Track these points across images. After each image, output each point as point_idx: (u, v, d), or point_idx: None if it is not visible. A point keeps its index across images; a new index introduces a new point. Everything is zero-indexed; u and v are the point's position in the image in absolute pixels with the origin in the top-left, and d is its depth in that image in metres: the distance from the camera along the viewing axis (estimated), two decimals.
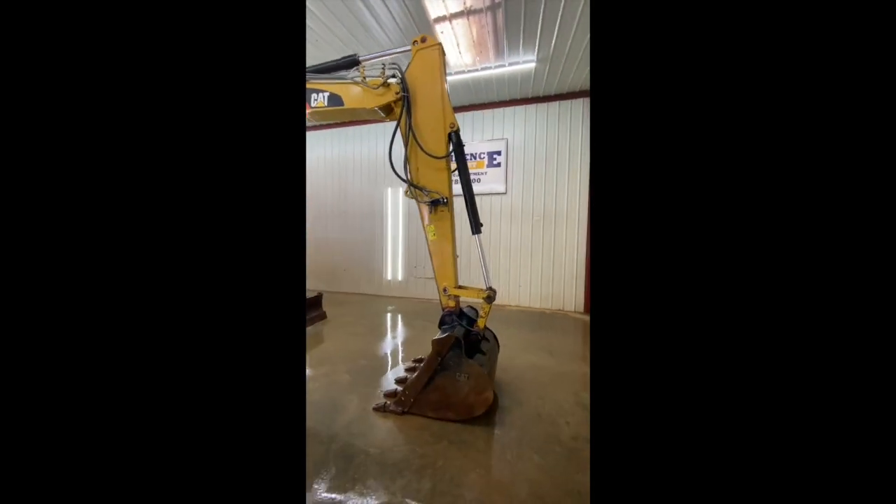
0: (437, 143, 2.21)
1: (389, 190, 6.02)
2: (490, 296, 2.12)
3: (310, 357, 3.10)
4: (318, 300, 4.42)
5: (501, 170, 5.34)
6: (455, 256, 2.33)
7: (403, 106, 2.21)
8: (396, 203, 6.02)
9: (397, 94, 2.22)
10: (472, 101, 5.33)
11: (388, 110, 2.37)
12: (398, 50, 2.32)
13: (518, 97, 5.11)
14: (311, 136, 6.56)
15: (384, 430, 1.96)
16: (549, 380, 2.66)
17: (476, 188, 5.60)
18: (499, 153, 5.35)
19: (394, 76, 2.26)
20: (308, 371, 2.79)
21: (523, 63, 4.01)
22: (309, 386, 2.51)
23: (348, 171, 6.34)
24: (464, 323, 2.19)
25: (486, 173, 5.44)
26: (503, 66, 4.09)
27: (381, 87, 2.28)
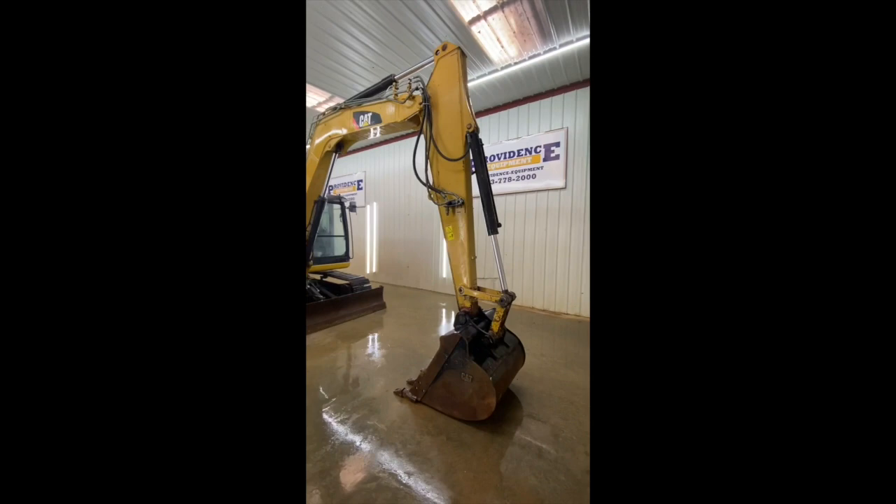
0: (455, 145, 2.26)
1: None
2: (504, 299, 2.04)
3: (360, 340, 3.63)
4: (379, 292, 5.06)
5: (560, 163, 4.85)
6: (472, 257, 2.33)
7: (424, 114, 2.35)
8: None
9: (420, 104, 2.37)
10: (525, 94, 5.03)
11: (417, 122, 2.56)
12: (425, 62, 2.48)
13: (579, 80, 4.53)
14: (380, 150, 7.51)
15: (396, 412, 2.16)
16: (583, 402, 2.33)
17: (530, 185, 5.33)
18: (557, 145, 4.87)
19: (417, 89, 2.43)
20: (353, 351, 3.28)
21: (576, 41, 3.57)
22: (350, 363, 2.97)
23: (412, 177, 6.97)
24: (480, 325, 2.17)
25: (542, 168, 5.04)
26: (553, 48, 3.73)
27: (408, 101, 2.50)
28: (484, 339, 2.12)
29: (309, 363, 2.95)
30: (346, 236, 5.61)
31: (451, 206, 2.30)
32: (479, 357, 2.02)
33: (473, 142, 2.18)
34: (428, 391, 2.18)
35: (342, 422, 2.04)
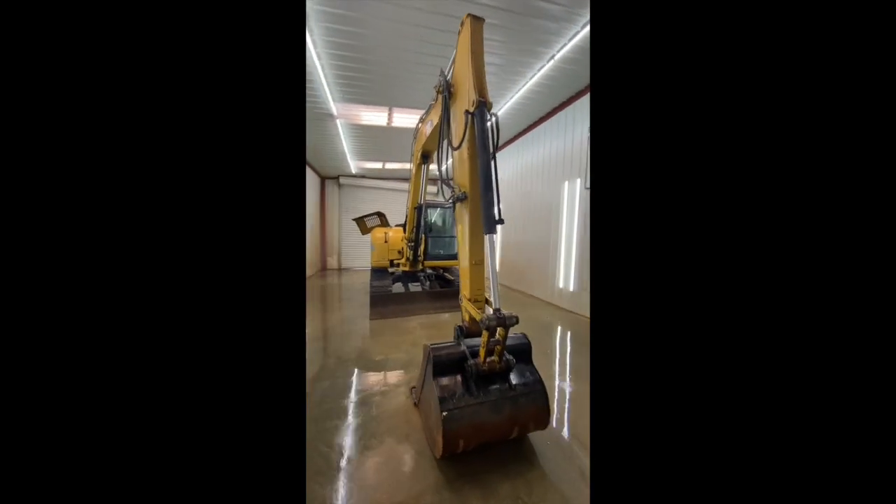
0: (459, 131, 1.93)
1: (566, 184, 5.17)
2: (483, 321, 1.52)
3: (433, 331, 3.85)
4: None
5: None
6: (475, 261, 1.89)
7: (442, 105, 2.18)
8: (573, 199, 5.04)
9: (439, 93, 2.22)
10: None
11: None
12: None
13: None
14: (507, 148, 7.32)
15: (397, 404, 2.22)
16: None
17: None
18: None
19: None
20: (410, 336, 3.54)
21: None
22: (394, 355, 3.20)
23: (531, 173, 6.31)
24: (477, 347, 1.73)
25: None
26: None
27: (439, 97, 2.40)
28: (467, 367, 1.67)
29: (365, 342, 3.51)
30: (455, 236, 6.08)
31: (458, 201, 1.99)
32: (465, 384, 1.63)
33: (473, 120, 1.77)
34: (420, 398, 2.04)
35: (350, 396, 2.37)
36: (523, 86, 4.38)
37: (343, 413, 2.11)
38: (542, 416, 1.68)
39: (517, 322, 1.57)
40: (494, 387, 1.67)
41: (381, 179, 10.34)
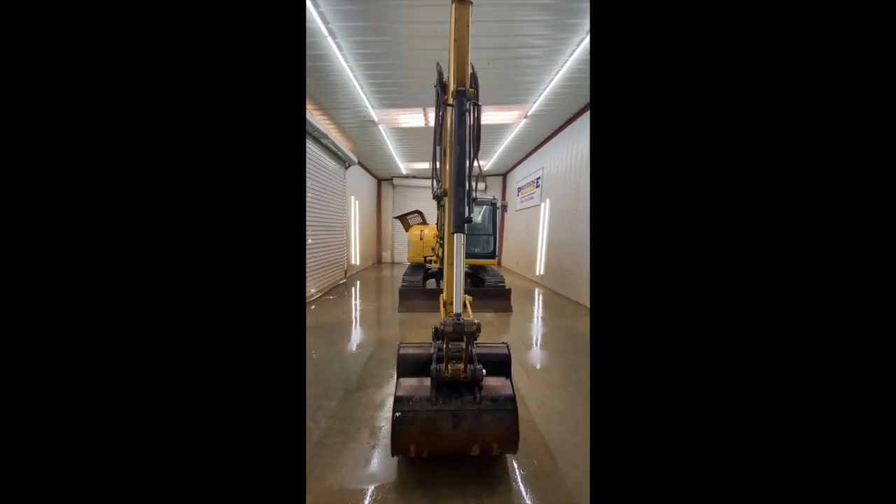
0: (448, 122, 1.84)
1: None
2: (437, 328, 1.42)
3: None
4: (505, 293, 4.82)
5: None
6: (450, 263, 1.78)
7: (436, 99, 2.11)
8: None
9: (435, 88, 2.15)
10: None
11: None
12: None
13: None
14: (557, 140, 6.60)
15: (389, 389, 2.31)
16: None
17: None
18: None
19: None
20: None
21: None
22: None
23: (582, 164, 5.54)
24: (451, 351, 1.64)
25: None
26: None
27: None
28: (431, 370, 1.60)
29: (371, 333, 3.70)
30: (493, 235, 5.84)
31: (438, 198, 1.91)
32: (431, 388, 1.57)
33: (452, 108, 1.66)
34: None
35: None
36: (563, 64, 3.87)
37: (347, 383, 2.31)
38: (508, 438, 1.49)
39: (476, 330, 1.43)
40: (458, 397, 1.56)
41: (429, 178, 10.75)
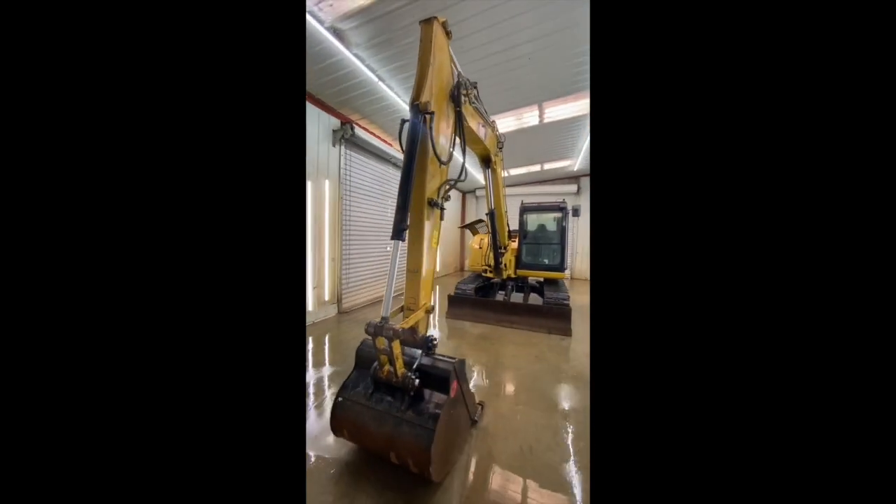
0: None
1: None
2: (366, 328, 1.51)
3: (482, 343, 3.62)
4: (565, 313, 4.10)
5: None
6: (411, 270, 1.83)
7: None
8: None
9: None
10: None
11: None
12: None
13: None
14: None
15: None
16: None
17: None
18: None
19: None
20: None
21: None
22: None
23: None
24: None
25: None
26: None
27: None
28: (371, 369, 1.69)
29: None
30: (561, 245, 5.07)
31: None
32: (375, 385, 1.71)
33: (406, 127, 1.76)
34: None
35: None
36: None
37: None
38: (420, 458, 1.39)
39: (392, 335, 1.44)
40: (388, 399, 1.60)
41: (508, 187, 10.48)
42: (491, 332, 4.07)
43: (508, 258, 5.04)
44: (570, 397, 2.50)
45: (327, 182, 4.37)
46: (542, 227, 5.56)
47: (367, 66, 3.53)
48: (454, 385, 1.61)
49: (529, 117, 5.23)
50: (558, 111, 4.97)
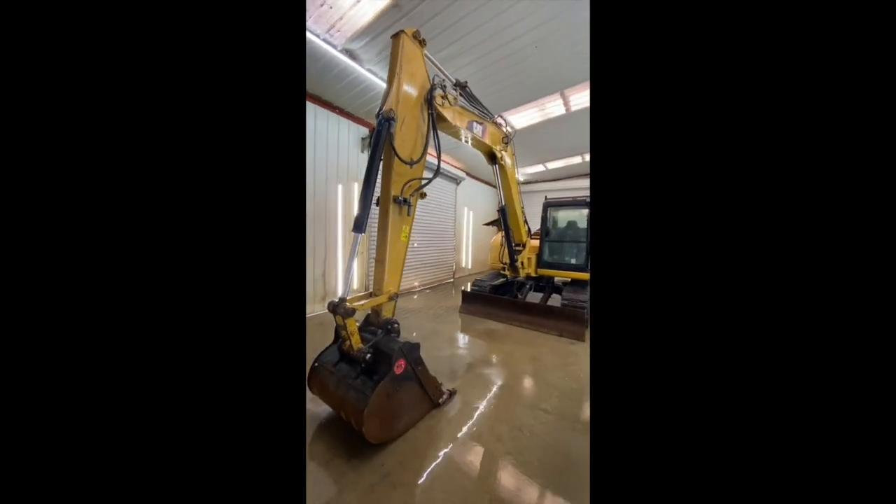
0: None
1: None
2: (329, 306, 1.80)
3: (483, 341, 3.63)
4: (578, 316, 3.81)
5: None
6: (377, 259, 2.06)
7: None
8: None
9: None
10: None
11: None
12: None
13: None
14: None
15: None
16: None
17: None
18: None
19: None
20: (436, 342, 3.54)
21: None
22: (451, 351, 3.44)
23: None
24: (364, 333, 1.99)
25: None
26: None
27: None
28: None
29: (428, 323, 3.94)
30: (585, 242, 4.64)
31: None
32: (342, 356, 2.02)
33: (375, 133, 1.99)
34: None
35: None
36: None
37: None
38: (357, 419, 1.63)
39: (344, 313, 1.71)
40: (347, 368, 1.88)
41: (541, 182, 9.92)
42: (498, 330, 4.04)
43: (527, 256, 4.87)
44: (546, 398, 2.40)
45: (356, 185, 4.94)
46: (569, 224, 5.18)
47: (381, 79, 3.89)
48: (400, 363, 1.80)
49: (553, 107, 4.94)
50: (584, 98, 4.58)
